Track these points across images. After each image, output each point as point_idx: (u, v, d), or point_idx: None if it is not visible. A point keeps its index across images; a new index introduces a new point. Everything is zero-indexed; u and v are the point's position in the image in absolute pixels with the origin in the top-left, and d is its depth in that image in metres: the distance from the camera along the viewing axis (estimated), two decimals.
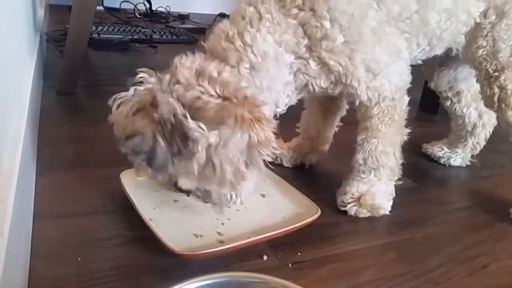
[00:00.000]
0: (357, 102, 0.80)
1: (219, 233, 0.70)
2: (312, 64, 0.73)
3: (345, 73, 0.74)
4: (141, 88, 0.66)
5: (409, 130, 0.86)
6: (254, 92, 0.69)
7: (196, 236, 0.69)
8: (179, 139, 0.61)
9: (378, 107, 0.80)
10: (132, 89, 0.66)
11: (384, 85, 0.78)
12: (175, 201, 0.77)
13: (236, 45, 0.70)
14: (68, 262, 0.63)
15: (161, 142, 0.61)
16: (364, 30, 0.73)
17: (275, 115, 0.77)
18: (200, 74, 0.65)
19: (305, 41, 0.71)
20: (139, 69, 0.67)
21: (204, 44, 0.74)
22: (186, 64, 0.66)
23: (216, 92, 0.64)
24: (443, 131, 1.19)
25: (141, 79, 0.67)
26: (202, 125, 0.60)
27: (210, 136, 0.61)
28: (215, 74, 0.66)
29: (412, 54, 0.84)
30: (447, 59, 1.00)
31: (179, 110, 0.61)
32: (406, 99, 0.83)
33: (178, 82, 0.64)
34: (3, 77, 0.69)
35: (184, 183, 0.76)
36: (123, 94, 0.67)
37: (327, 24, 0.70)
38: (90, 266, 0.63)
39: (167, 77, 0.65)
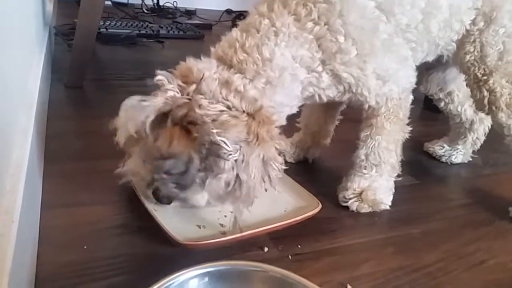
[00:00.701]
0: (365, 107, 0.82)
1: (221, 225, 0.72)
2: (325, 77, 0.74)
3: (357, 84, 0.75)
4: (159, 98, 0.63)
5: (410, 128, 0.87)
6: (269, 108, 0.69)
7: (199, 227, 0.71)
8: (212, 159, 0.61)
9: (385, 107, 0.82)
10: (148, 100, 0.63)
11: (393, 90, 0.80)
12: None
13: (254, 58, 0.69)
14: (74, 250, 0.65)
15: (196, 163, 0.61)
16: (375, 43, 0.74)
17: None
18: (224, 86, 0.64)
19: (319, 55, 0.72)
20: (158, 72, 0.65)
21: (213, 49, 0.73)
22: (207, 74, 0.64)
23: (242, 108, 0.64)
24: (446, 130, 1.20)
25: (159, 82, 0.64)
26: (227, 142, 0.61)
27: (236, 153, 0.61)
28: (241, 89, 0.65)
29: (416, 60, 0.85)
30: (434, 63, 1.01)
31: (215, 130, 0.60)
32: (411, 98, 0.85)
33: (201, 92, 0.63)
34: (14, 71, 0.71)
35: (196, 199, 0.70)
36: (135, 100, 0.64)
37: (341, 38, 0.71)
38: (95, 254, 0.65)
39: (193, 87, 0.63)
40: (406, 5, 0.77)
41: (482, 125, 1.12)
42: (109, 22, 2.10)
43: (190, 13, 2.97)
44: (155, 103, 0.62)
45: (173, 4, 2.99)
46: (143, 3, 2.78)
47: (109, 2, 2.65)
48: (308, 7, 0.70)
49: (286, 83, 0.71)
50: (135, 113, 0.62)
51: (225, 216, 0.75)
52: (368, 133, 0.85)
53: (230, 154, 0.61)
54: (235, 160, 0.62)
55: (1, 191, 0.51)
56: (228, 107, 0.63)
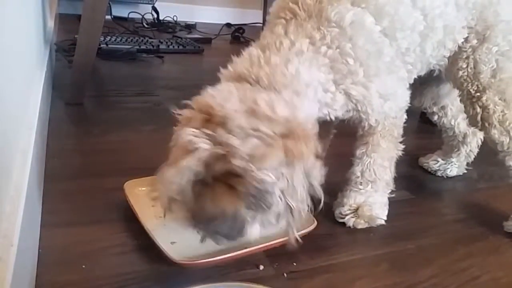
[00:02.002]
0: (364, 124, 0.84)
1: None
2: (339, 97, 0.76)
3: (363, 102, 0.78)
4: (193, 160, 0.58)
5: (403, 146, 0.89)
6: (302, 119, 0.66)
7: (196, 245, 0.72)
8: (262, 202, 0.59)
9: (381, 125, 0.84)
10: (186, 169, 0.59)
11: (392, 108, 0.82)
12: None
13: (283, 71, 0.69)
14: (73, 269, 0.66)
15: (242, 213, 0.60)
16: (380, 65, 0.77)
17: None
18: (252, 115, 0.60)
19: (331, 76, 0.75)
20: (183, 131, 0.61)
21: (229, 69, 0.73)
22: (230, 107, 0.61)
23: (274, 133, 0.60)
24: (442, 143, 1.21)
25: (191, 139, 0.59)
26: (270, 174, 0.58)
27: (280, 182, 0.59)
28: (269, 113, 0.61)
29: (411, 80, 0.88)
30: (428, 78, 1.03)
31: (253, 167, 0.57)
32: (405, 116, 0.88)
33: (230, 132, 0.58)
34: (14, 91, 0.72)
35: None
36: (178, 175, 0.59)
37: (351, 61, 0.74)
38: (93, 273, 0.66)
39: (220, 132, 0.59)
40: (407, 30, 0.79)
41: (475, 138, 1.14)
42: (109, 37, 2.13)
43: (190, 27, 3.00)
44: (191, 165, 0.58)
45: (173, 18, 3.02)
46: (143, 18, 2.82)
47: (109, 17, 2.69)
48: (321, 31, 0.73)
49: (311, 97, 0.73)
50: (174, 179, 0.59)
51: None
52: (363, 150, 0.86)
53: (275, 184, 0.59)
54: (281, 190, 0.60)
55: (0, 214, 0.52)
56: (261, 138, 0.59)
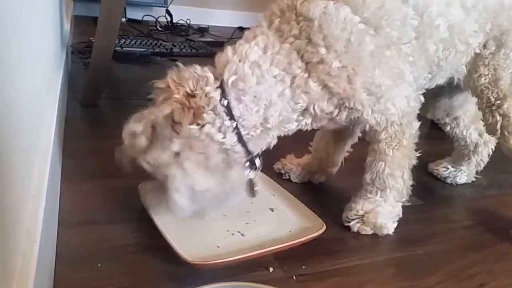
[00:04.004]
0: (367, 127, 0.84)
1: (229, 245, 0.75)
2: (312, 84, 0.76)
3: (347, 97, 0.77)
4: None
5: (419, 154, 0.89)
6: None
7: (208, 246, 0.74)
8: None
9: (385, 132, 0.83)
10: None
11: (390, 109, 0.81)
12: None
13: (222, 60, 0.76)
14: (88, 267, 0.69)
15: None
16: (362, 54, 0.77)
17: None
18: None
19: (299, 63, 0.76)
20: None
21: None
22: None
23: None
24: (453, 149, 1.21)
25: None
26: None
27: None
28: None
29: (420, 76, 0.86)
30: (441, 90, 1.04)
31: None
32: (416, 124, 0.87)
33: None
34: (34, 91, 0.75)
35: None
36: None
37: (322, 50, 0.75)
38: (108, 271, 0.69)
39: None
40: (396, 21, 0.79)
41: (487, 148, 1.14)
42: (124, 40, 2.16)
43: (202, 30, 3.03)
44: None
45: (186, 22, 3.05)
46: (157, 21, 2.85)
47: (124, 20, 2.73)
48: (290, 25, 0.76)
49: (254, 71, 0.74)
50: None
51: (233, 234, 0.78)
52: (372, 158, 0.87)
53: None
54: None
55: (23, 212, 0.55)
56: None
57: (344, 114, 0.81)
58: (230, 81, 0.73)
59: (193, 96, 0.72)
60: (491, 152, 1.15)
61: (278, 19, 0.77)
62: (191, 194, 0.70)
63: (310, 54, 0.75)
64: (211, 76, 0.74)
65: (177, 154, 0.70)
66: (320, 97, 0.78)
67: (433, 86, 0.93)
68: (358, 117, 0.81)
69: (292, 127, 0.81)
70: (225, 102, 0.73)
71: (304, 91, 0.77)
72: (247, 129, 0.76)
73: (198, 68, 0.75)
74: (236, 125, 0.75)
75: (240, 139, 0.76)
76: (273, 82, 0.75)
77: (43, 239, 0.55)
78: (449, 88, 1.02)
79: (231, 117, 0.74)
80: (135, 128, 0.72)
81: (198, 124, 0.71)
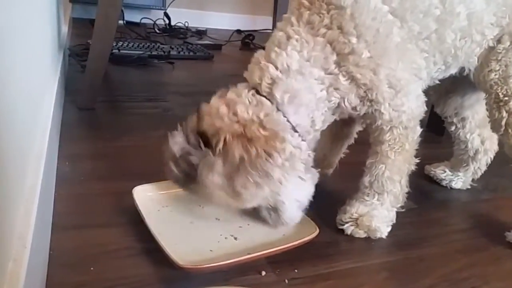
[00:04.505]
0: (378, 123, 0.83)
1: (222, 249, 0.75)
2: (342, 79, 0.77)
3: (372, 87, 0.78)
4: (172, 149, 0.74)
5: (418, 160, 0.89)
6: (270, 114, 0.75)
7: (201, 250, 0.74)
8: None
9: (391, 133, 0.84)
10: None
11: (404, 104, 0.81)
12: (181, 216, 0.83)
13: (260, 64, 0.76)
14: (81, 271, 0.69)
15: None
16: (389, 45, 0.77)
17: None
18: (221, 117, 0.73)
19: (334, 57, 0.76)
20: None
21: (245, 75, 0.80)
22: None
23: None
24: (449, 153, 1.22)
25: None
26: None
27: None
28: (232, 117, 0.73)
29: (430, 73, 0.87)
30: (455, 86, 1.04)
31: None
32: (419, 130, 0.87)
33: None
34: (29, 94, 0.75)
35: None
36: None
37: (354, 39, 0.75)
38: (101, 275, 0.69)
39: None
40: (419, 13, 0.79)
41: (486, 156, 1.14)
42: (121, 43, 2.17)
43: (200, 33, 3.04)
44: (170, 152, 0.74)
45: (185, 24, 3.06)
46: (155, 24, 2.86)
47: (122, 22, 2.74)
48: (321, 15, 0.76)
49: (305, 83, 0.76)
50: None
51: (226, 238, 0.78)
52: (373, 160, 0.87)
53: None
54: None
55: (15, 216, 0.55)
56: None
57: (364, 108, 0.81)
58: (285, 100, 0.76)
59: (263, 126, 0.73)
60: (489, 161, 1.15)
61: (308, 11, 0.77)
62: (299, 205, 0.80)
63: (342, 45, 0.75)
64: (266, 102, 0.75)
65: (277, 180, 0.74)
66: (349, 91, 0.79)
67: (447, 75, 0.93)
68: (374, 111, 0.82)
69: (327, 124, 0.84)
70: (285, 119, 0.76)
71: (335, 87, 0.78)
72: (304, 135, 0.79)
73: (243, 93, 0.76)
74: (299, 134, 0.78)
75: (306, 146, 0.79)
76: (315, 85, 0.77)
77: (35, 243, 0.55)
78: (462, 86, 1.02)
79: (294, 130, 0.77)
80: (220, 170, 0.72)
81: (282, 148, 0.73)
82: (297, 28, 0.76)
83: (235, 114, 0.73)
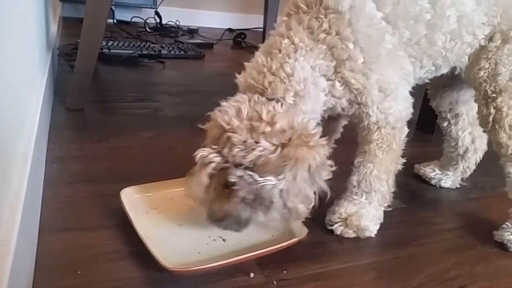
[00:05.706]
0: (365, 123, 0.84)
1: (210, 251, 0.75)
2: (337, 84, 0.79)
3: (362, 91, 0.79)
4: (203, 177, 0.71)
5: (405, 160, 0.90)
6: (303, 120, 0.74)
7: (189, 252, 0.74)
8: (259, 201, 0.71)
9: (378, 132, 0.85)
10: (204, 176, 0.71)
11: (392, 107, 0.83)
12: (170, 219, 0.83)
13: (281, 77, 0.75)
14: (68, 274, 0.68)
15: (246, 213, 0.73)
16: (381, 52, 0.79)
17: None
18: (253, 130, 0.70)
19: (333, 63, 0.77)
20: (200, 150, 0.72)
21: (240, 77, 0.80)
22: (236, 124, 0.70)
23: (274, 144, 0.69)
24: (438, 151, 1.23)
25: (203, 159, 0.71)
26: (271, 177, 0.69)
27: (279, 184, 0.69)
28: (268, 129, 0.70)
29: (415, 76, 0.88)
30: (451, 81, 1.05)
31: (253, 178, 0.69)
32: (406, 130, 0.88)
33: (234, 145, 0.69)
34: (15, 96, 0.74)
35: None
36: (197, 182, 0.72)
37: (350, 45, 0.76)
38: (88, 279, 0.68)
39: (226, 150, 0.70)
40: (410, 19, 0.80)
41: (475, 155, 1.15)
42: (111, 42, 2.15)
43: (192, 31, 3.03)
44: (202, 182, 0.71)
45: (176, 23, 3.05)
46: (145, 22, 2.84)
47: (112, 21, 2.72)
48: (320, 19, 0.76)
49: (312, 92, 0.77)
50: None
51: (214, 240, 0.78)
52: (361, 159, 0.88)
53: (274, 187, 0.69)
54: (281, 191, 0.70)
55: None
56: (261, 151, 0.69)
57: (352, 110, 0.83)
58: (309, 110, 0.77)
59: (307, 140, 0.72)
60: (478, 161, 1.15)
61: (307, 16, 0.77)
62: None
63: (340, 51, 0.76)
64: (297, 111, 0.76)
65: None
66: (342, 96, 0.81)
67: (438, 75, 0.94)
68: (362, 112, 0.83)
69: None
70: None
71: (332, 94, 0.80)
72: None
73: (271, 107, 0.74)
74: None
75: None
76: (321, 93, 0.79)
77: (19, 248, 0.54)
78: (458, 81, 1.03)
79: None
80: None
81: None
82: (302, 36, 0.77)
83: (291, 127, 0.72)
